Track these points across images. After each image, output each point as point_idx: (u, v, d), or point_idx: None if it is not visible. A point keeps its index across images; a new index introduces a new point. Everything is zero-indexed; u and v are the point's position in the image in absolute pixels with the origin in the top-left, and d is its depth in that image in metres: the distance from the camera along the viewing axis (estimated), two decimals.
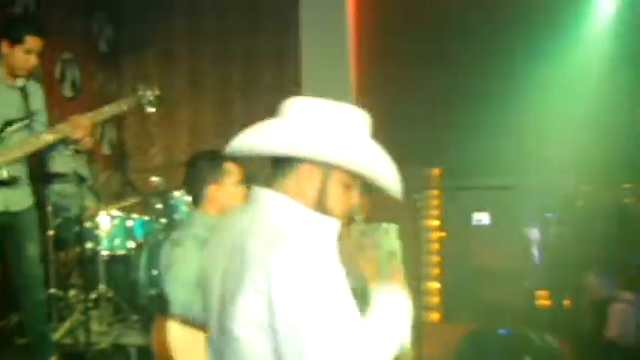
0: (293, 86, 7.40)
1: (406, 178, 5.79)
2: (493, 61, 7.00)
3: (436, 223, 7.49)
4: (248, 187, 3.62)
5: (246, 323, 1.75)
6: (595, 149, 6.83)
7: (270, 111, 1.95)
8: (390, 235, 3.78)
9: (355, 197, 2.00)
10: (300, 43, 7.37)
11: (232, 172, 3.17)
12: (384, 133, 6.34)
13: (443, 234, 7.44)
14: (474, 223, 8.29)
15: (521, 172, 7.17)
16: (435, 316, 7.12)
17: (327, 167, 1.87)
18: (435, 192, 7.68)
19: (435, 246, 7.39)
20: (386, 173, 1.96)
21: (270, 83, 7.85)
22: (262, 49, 7.85)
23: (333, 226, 1.90)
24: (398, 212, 4.31)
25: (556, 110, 7.00)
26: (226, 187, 3.15)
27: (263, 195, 1.90)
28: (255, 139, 1.87)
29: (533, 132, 7.05)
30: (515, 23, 6.94)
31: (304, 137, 1.81)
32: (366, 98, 7.16)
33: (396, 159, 6.35)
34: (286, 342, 1.67)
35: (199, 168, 3.17)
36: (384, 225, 3.89)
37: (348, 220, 2.20)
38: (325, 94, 1.89)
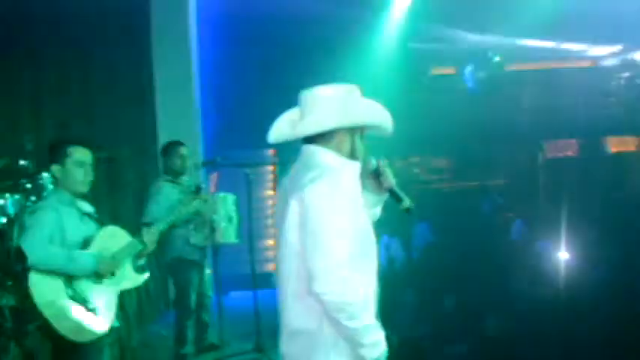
0: None
1: (243, 157, 7.15)
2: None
3: (271, 192, 9.14)
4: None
5: (290, 227, 2.42)
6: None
7: None
8: (227, 203, 5.15)
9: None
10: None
11: (73, 154, 3.46)
12: (228, 117, 7.76)
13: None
14: None
15: None
16: (272, 267, 8.81)
17: (353, 130, 2.56)
18: (271, 167, 9.29)
19: (272, 211, 9.05)
20: (386, 118, 2.60)
21: None
22: None
23: (357, 166, 2.56)
24: (238, 185, 5.67)
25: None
26: (67, 167, 3.45)
27: (316, 149, 2.52)
28: (299, 128, 2.51)
29: None
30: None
31: (336, 116, 2.47)
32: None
33: (236, 143, 7.74)
34: (307, 238, 2.38)
35: (48, 151, 3.56)
36: (222, 194, 5.23)
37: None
38: None
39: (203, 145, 8.14)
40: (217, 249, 5.10)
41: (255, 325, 5.41)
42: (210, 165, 5.80)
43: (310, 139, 2.54)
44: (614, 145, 10.91)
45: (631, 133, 10.46)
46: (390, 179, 2.67)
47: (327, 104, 2.52)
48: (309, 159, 2.53)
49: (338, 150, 2.53)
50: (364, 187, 2.65)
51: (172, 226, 4.55)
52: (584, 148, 10.96)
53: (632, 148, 10.75)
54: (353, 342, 2.43)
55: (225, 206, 4.99)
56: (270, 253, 8.80)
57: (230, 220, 5.02)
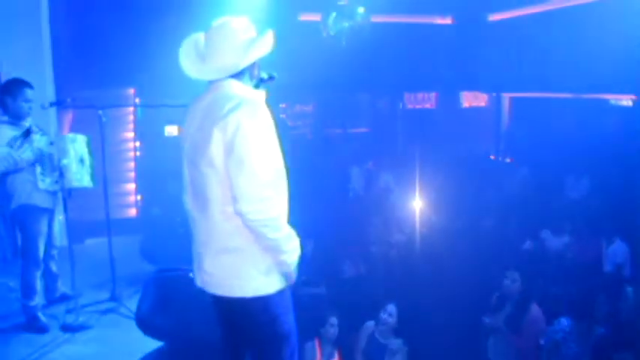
0: None
1: (100, 98, 6.81)
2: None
3: (131, 134, 8.73)
4: None
5: (215, 155, 2.58)
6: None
7: None
8: (77, 144, 4.82)
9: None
10: None
11: None
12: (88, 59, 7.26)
13: (137, 143, 8.70)
14: (166, 134, 9.73)
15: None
16: (132, 212, 8.54)
17: (254, 63, 2.76)
18: (130, 108, 8.84)
19: (131, 154, 8.68)
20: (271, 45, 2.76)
21: None
22: None
23: (264, 95, 2.79)
24: (94, 127, 5.35)
25: None
26: None
27: (228, 82, 2.71)
28: (207, 67, 2.69)
29: None
30: None
31: (248, 54, 2.66)
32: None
33: (94, 83, 7.23)
34: (233, 163, 2.56)
35: None
36: (70, 135, 4.87)
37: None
38: None
39: (54, 85, 7.54)
40: (69, 194, 4.76)
41: (110, 273, 5.24)
42: (59, 106, 5.37)
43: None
44: (468, 99, 11.62)
45: (484, 89, 11.16)
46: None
47: (238, 43, 2.69)
48: (223, 91, 2.71)
49: (248, 81, 2.77)
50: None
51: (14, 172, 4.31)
52: (441, 101, 11.56)
53: (482, 103, 11.52)
54: (275, 251, 2.70)
55: (76, 148, 4.63)
56: (129, 199, 8.50)
57: (82, 162, 4.67)
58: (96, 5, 8.02)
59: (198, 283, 2.88)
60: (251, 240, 2.70)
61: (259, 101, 2.73)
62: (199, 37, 2.84)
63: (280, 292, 2.82)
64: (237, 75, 2.73)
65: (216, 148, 2.61)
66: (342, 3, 8.12)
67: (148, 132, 8.84)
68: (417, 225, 6.74)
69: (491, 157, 11.00)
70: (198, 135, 2.70)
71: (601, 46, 8.04)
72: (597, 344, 4.75)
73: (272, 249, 2.69)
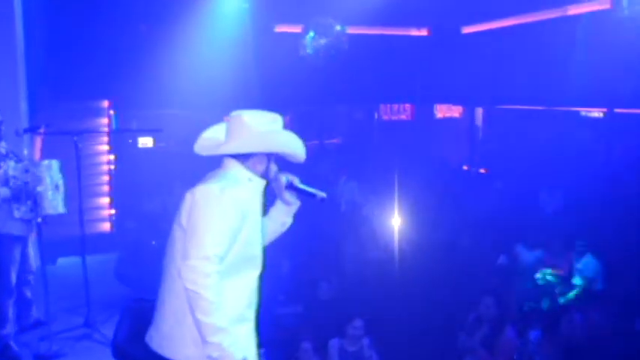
0: None
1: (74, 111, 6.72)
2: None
3: (106, 147, 8.63)
4: None
5: (182, 216, 2.73)
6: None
7: None
8: (53, 170, 4.78)
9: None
10: None
11: None
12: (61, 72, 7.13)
13: (112, 156, 8.62)
14: (140, 146, 9.66)
15: (179, 104, 8.60)
16: (106, 226, 8.45)
17: (269, 154, 2.87)
18: (105, 120, 8.75)
19: (105, 167, 8.58)
20: (299, 150, 2.90)
21: None
22: None
23: (262, 183, 2.88)
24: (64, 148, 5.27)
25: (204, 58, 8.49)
26: None
27: (227, 160, 2.85)
28: (229, 147, 2.81)
29: (186, 77, 8.32)
30: None
31: (255, 145, 2.80)
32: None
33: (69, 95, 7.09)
34: (188, 229, 2.66)
35: None
36: (46, 162, 4.83)
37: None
38: None
39: (27, 100, 7.42)
40: (44, 221, 4.70)
41: (84, 296, 5.18)
42: (33, 132, 5.28)
43: (236, 155, 2.85)
44: (442, 111, 11.72)
45: (458, 102, 11.26)
46: (301, 185, 2.99)
47: (251, 132, 2.80)
48: (224, 169, 2.87)
49: (252, 168, 2.87)
50: (281, 199, 3.02)
51: None
52: (416, 113, 11.64)
53: (456, 114, 11.62)
54: (201, 334, 2.63)
55: (51, 174, 4.59)
56: (103, 213, 8.40)
57: (57, 188, 4.63)
58: (69, 18, 7.96)
59: (147, 337, 2.91)
60: (178, 304, 2.74)
61: (249, 186, 2.83)
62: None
63: None
64: (241, 158, 2.85)
65: (184, 210, 2.76)
66: (318, 21, 8.13)
67: (122, 144, 8.82)
68: (392, 241, 6.76)
69: (465, 167, 11.11)
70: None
71: (572, 59, 8.18)
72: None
73: (199, 330, 2.65)
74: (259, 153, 2.84)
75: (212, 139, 2.94)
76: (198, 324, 2.62)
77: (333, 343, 5.27)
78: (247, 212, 2.77)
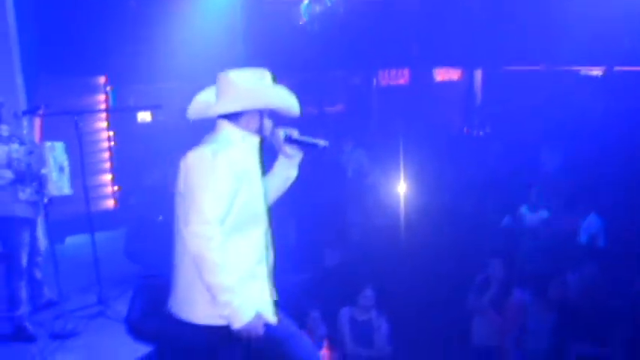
0: None
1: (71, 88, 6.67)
2: None
3: (105, 124, 8.57)
4: None
5: (179, 182, 2.74)
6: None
7: None
8: (57, 152, 4.76)
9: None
10: None
11: None
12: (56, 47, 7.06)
13: (111, 133, 8.57)
14: (139, 121, 9.63)
15: (175, 76, 8.52)
16: (110, 203, 8.46)
17: (261, 111, 2.86)
18: (102, 96, 8.68)
19: (105, 144, 8.54)
20: (290, 103, 2.90)
21: None
22: None
23: (256, 140, 2.89)
24: (64, 129, 5.25)
25: (198, 28, 8.38)
26: None
27: (220, 122, 2.85)
28: (219, 108, 2.80)
29: (181, 49, 8.22)
30: None
31: (244, 101, 2.79)
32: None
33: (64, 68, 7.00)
34: (187, 194, 2.69)
35: None
36: (49, 143, 4.81)
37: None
38: None
39: (22, 75, 7.33)
40: (50, 202, 4.70)
41: (95, 275, 5.20)
42: (32, 114, 5.21)
43: (227, 116, 2.85)
44: (440, 74, 11.64)
45: (456, 64, 11.18)
46: (300, 137, 2.96)
47: (238, 89, 2.80)
48: (216, 131, 2.86)
49: (246, 127, 2.86)
50: (282, 153, 3.00)
51: None
52: (414, 77, 11.56)
53: (455, 77, 11.56)
54: (212, 293, 2.68)
55: (55, 156, 4.58)
56: (106, 190, 8.40)
57: (61, 170, 4.62)
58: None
59: (168, 306, 2.95)
60: (186, 266, 2.80)
61: (242, 145, 2.83)
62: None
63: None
64: (232, 118, 2.85)
65: (181, 177, 2.78)
66: None
67: (121, 120, 8.76)
68: (398, 207, 6.80)
69: (465, 130, 11.10)
70: None
71: (571, 17, 8.11)
72: (555, 332, 4.94)
73: (208, 288, 2.70)
74: (250, 110, 2.84)
75: (203, 102, 2.94)
76: (207, 285, 2.67)
77: (344, 312, 5.33)
78: (244, 172, 2.79)
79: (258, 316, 2.76)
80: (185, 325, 2.85)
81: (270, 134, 2.93)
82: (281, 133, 2.94)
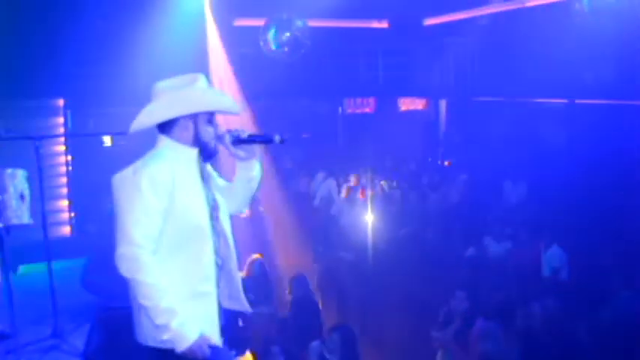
0: None
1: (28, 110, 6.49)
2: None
3: (62, 147, 8.33)
4: None
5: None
6: None
7: None
8: (18, 179, 4.58)
9: (215, 126, 2.74)
10: None
11: None
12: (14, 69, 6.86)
13: (69, 157, 8.33)
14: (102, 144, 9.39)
15: (137, 101, 8.34)
16: (66, 230, 8.17)
17: (195, 117, 2.68)
18: (60, 119, 8.47)
19: (62, 168, 8.29)
20: (221, 104, 2.78)
21: None
22: None
23: (190, 152, 2.71)
24: (25, 157, 5.07)
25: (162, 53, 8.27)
26: None
27: (159, 140, 2.70)
28: (143, 119, 2.66)
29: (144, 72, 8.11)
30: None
31: (165, 110, 2.64)
32: None
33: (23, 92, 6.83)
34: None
35: None
36: (10, 170, 4.63)
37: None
38: None
39: None
40: (7, 231, 4.49)
41: (50, 306, 4.98)
42: None
43: (161, 129, 2.69)
44: (405, 103, 11.77)
45: (420, 95, 11.32)
46: (251, 136, 2.79)
47: (161, 97, 2.66)
48: (155, 147, 2.71)
49: (179, 138, 2.68)
50: (234, 156, 2.81)
51: None
52: (379, 106, 11.67)
53: (420, 107, 11.70)
54: (162, 323, 2.52)
55: (15, 184, 4.39)
56: (62, 216, 8.14)
57: (22, 198, 4.43)
58: (24, 14, 7.58)
59: None
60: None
61: (168, 161, 2.65)
62: None
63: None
64: (166, 130, 2.70)
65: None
66: (280, 16, 8.04)
67: (80, 144, 8.55)
68: (362, 239, 6.75)
69: (429, 159, 11.20)
70: None
71: (532, 50, 8.28)
72: None
73: (145, 312, 2.56)
74: (182, 119, 2.67)
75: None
76: (143, 309, 2.53)
77: (314, 346, 5.21)
78: (177, 186, 2.63)
79: (202, 337, 2.58)
80: (142, 349, 2.71)
81: (218, 139, 2.75)
82: (227, 136, 2.76)
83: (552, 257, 6.58)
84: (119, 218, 2.57)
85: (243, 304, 2.87)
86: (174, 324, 2.52)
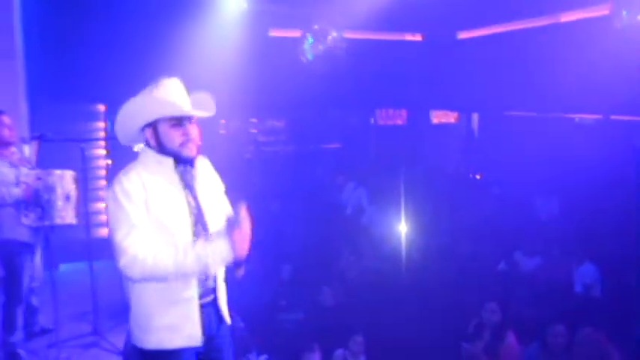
0: None
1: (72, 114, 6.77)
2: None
3: (103, 152, 8.59)
4: None
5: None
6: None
7: None
8: (65, 181, 4.76)
9: (185, 130, 2.71)
10: None
11: None
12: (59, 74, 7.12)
13: (109, 161, 8.59)
14: (136, 149, 9.61)
15: None
16: (104, 231, 8.39)
17: (154, 125, 2.69)
18: (102, 124, 8.74)
19: (103, 171, 8.55)
20: (168, 109, 2.68)
21: None
22: None
23: (165, 161, 2.70)
24: (73, 160, 5.24)
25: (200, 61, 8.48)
26: None
27: (140, 150, 2.77)
28: (117, 134, 2.77)
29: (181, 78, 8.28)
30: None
31: (131, 117, 2.68)
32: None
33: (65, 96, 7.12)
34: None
35: None
36: (59, 171, 4.80)
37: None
38: None
39: (27, 102, 7.39)
40: (52, 230, 4.68)
41: (90, 303, 5.16)
42: (41, 140, 5.20)
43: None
44: (437, 116, 11.80)
45: (453, 108, 11.35)
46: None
47: (123, 110, 2.73)
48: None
49: (152, 146, 2.72)
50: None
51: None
52: (411, 118, 11.72)
53: (452, 120, 11.72)
54: (198, 266, 2.58)
55: (63, 184, 4.57)
56: (101, 217, 8.36)
57: (67, 199, 4.61)
58: (68, 21, 7.91)
59: None
60: (128, 292, 2.75)
61: (146, 169, 2.68)
62: None
63: (161, 352, 2.72)
64: (145, 140, 2.76)
65: None
66: (315, 27, 8.16)
67: (119, 148, 8.73)
68: (393, 249, 6.80)
69: (461, 172, 11.19)
70: None
71: (566, 65, 8.25)
72: None
73: (182, 274, 2.62)
74: (145, 127, 2.71)
75: None
76: (179, 277, 2.61)
77: (337, 355, 5.28)
78: (149, 194, 2.63)
79: (222, 241, 2.63)
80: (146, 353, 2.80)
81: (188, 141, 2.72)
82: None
83: (585, 274, 6.54)
84: (110, 232, 2.63)
85: (224, 314, 2.93)
86: (201, 252, 2.58)
